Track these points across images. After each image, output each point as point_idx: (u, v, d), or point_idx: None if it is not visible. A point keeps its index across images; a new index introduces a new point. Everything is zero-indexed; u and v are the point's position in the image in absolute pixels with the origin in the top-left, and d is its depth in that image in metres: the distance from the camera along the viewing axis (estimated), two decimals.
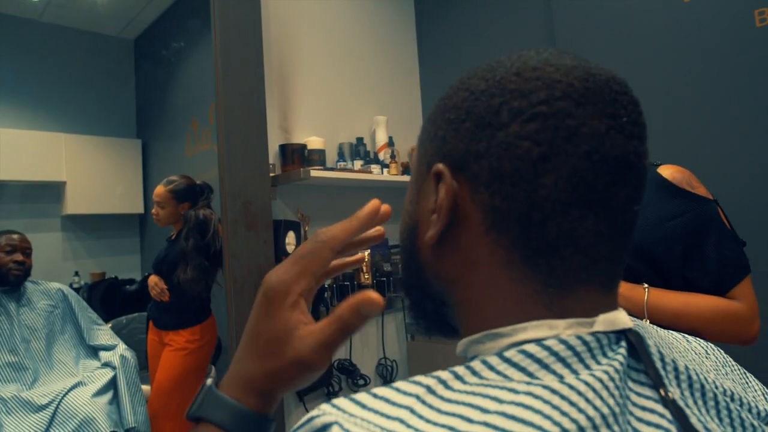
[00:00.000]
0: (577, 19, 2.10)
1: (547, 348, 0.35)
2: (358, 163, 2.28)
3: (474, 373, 0.36)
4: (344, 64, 2.44)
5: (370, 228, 0.47)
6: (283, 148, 2.08)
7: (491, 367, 0.35)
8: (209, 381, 0.43)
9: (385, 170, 2.33)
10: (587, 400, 0.32)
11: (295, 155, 2.07)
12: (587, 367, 0.35)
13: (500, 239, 0.39)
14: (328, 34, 2.39)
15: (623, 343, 0.37)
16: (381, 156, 2.39)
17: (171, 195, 2.33)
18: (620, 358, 0.36)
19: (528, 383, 0.34)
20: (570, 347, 0.35)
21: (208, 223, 2.28)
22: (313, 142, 2.13)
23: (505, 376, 0.35)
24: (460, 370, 0.36)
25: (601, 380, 0.34)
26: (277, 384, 0.42)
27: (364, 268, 2.25)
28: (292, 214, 2.12)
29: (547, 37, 2.23)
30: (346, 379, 2.20)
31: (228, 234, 1.85)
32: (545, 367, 0.34)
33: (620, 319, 0.38)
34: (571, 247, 0.38)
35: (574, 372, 0.34)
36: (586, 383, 0.33)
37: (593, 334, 0.37)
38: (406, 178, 2.36)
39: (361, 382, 2.21)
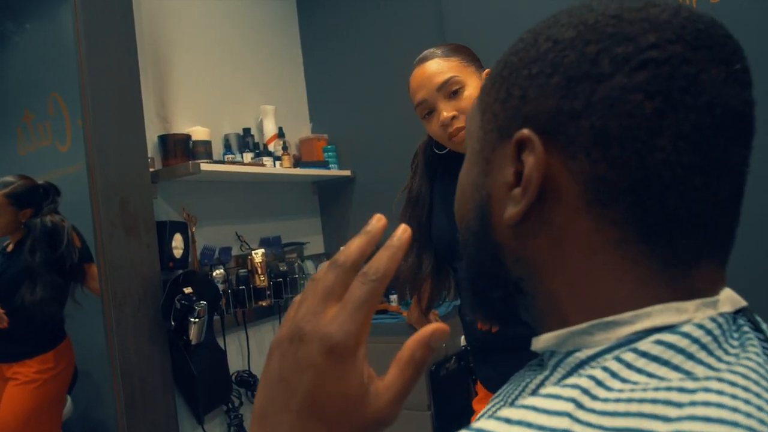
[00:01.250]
0: (467, 7, 2.13)
1: (688, 335, 0.31)
2: (247, 156, 2.09)
3: (614, 375, 0.30)
4: (226, 49, 2.22)
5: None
6: (164, 140, 1.82)
7: (629, 365, 0.30)
8: None
9: (277, 163, 2.17)
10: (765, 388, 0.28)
11: (178, 147, 1.83)
12: (726, 351, 0.31)
13: (607, 214, 0.34)
14: (206, 13, 2.15)
15: (741, 321, 0.34)
16: (271, 147, 2.22)
17: (8, 200, 1.90)
18: (753, 338, 0.33)
19: (694, 379, 0.29)
20: (708, 332, 0.31)
21: (59, 233, 1.91)
22: (198, 133, 1.90)
23: (651, 375, 0.30)
24: (597, 373, 0.30)
25: (760, 363, 0.30)
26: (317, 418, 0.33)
27: (259, 270, 2.08)
28: (176, 213, 1.88)
29: (436, 26, 2.24)
30: (245, 392, 2.01)
31: (102, 240, 1.57)
32: (691, 357, 0.30)
33: (736, 295, 0.35)
34: (693, 218, 0.33)
35: (718, 358, 0.30)
36: (754, 370, 0.29)
37: (723, 315, 0.33)
38: (301, 170, 2.22)
39: None
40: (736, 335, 0.33)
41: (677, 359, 0.30)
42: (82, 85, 1.59)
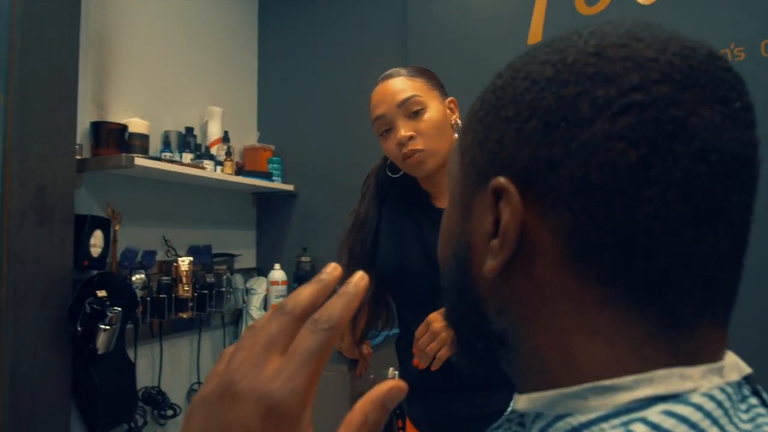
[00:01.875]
0: (430, 32, 2.14)
1: (700, 408, 0.28)
2: (187, 156, 1.96)
3: None
4: (178, 41, 2.10)
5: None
6: (97, 127, 1.68)
7: None
8: None
9: (219, 168, 2.06)
10: None
11: (112, 137, 1.69)
12: (737, 427, 0.29)
13: (590, 271, 0.31)
14: (160, 2, 2.03)
15: (745, 390, 0.31)
16: (214, 151, 2.11)
17: None
18: (764, 414, 0.30)
19: None
20: (719, 404, 0.29)
21: None
22: (136, 125, 1.77)
23: None
24: None
25: None
26: None
27: (184, 279, 1.94)
28: (99, 208, 1.72)
29: (399, 50, 2.23)
30: (152, 410, 1.84)
31: (11, 229, 1.40)
32: None
33: (741, 361, 0.32)
34: (688, 276, 0.30)
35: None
36: None
37: (731, 384, 0.30)
38: (243, 179, 2.12)
39: (170, 412, 1.88)
40: (743, 407, 0.30)
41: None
42: (11, 56, 1.43)
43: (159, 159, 1.81)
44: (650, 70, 0.30)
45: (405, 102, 1.08)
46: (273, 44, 2.55)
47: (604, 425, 0.29)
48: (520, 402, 0.35)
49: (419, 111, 1.08)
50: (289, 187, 2.38)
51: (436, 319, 1.03)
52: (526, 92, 0.33)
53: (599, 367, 0.31)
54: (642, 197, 0.29)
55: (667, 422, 0.27)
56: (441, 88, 1.15)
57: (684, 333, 0.31)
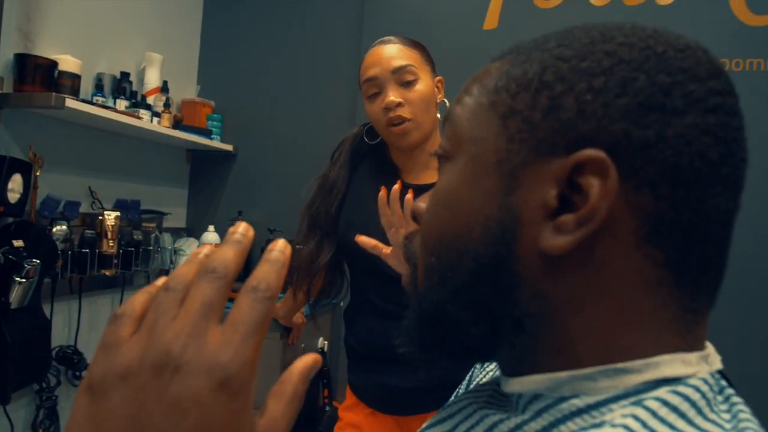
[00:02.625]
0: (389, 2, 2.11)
1: (698, 390, 0.31)
2: (121, 103, 1.82)
3: (644, 425, 0.29)
4: None
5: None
6: (22, 60, 1.52)
7: (654, 414, 0.30)
8: None
9: (155, 119, 1.93)
10: None
11: (39, 73, 1.54)
12: (718, 408, 0.32)
13: (654, 254, 0.32)
14: None
15: (723, 382, 0.34)
16: (151, 101, 1.97)
17: None
18: (738, 400, 0.34)
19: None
20: (711, 388, 0.32)
21: None
22: (68, 63, 1.61)
23: (673, 427, 0.29)
24: (630, 423, 0.29)
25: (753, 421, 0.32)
26: None
27: (110, 234, 1.82)
28: (19, 150, 1.56)
29: (355, 7, 2.18)
30: (66, 370, 1.74)
31: None
32: (700, 412, 0.31)
33: (715, 351, 0.36)
34: (718, 265, 0.34)
35: (717, 414, 0.31)
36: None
37: (715, 372, 0.34)
38: (180, 133, 2.00)
39: (85, 373, 1.77)
40: (720, 398, 0.33)
41: (691, 413, 0.30)
42: None
43: (91, 103, 1.67)
44: (722, 80, 0.33)
45: (400, 69, 1.08)
46: None
47: (614, 406, 0.31)
48: (515, 384, 0.36)
49: (411, 81, 1.08)
50: (228, 147, 2.29)
51: None
52: (614, 69, 0.33)
53: (623, 351, 0.32)
54: (714, 191, 0.32)
55: (674, 399, 0.30)
56: (432, 65, 1.16)
57: (697, 319, 0.34)
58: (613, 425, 0.30)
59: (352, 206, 1.18)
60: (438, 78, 1.16)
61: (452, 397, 0.56)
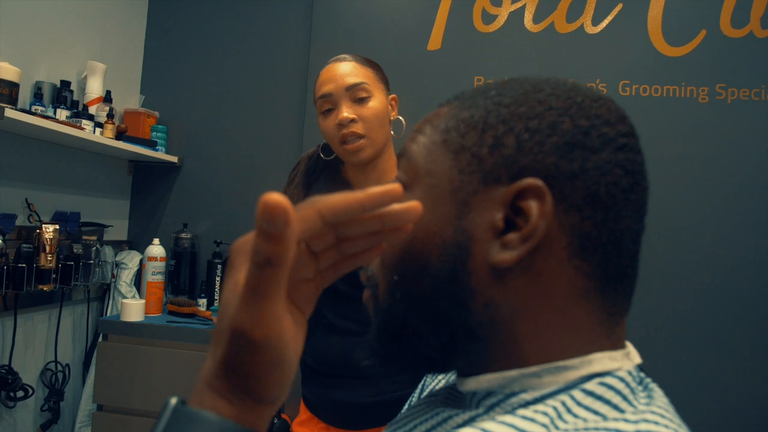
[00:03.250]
0: (337, 12, 2.16)
1: (623, 380, 0.38)
2: (62, 113, 1.77)
3: (568, 410, 0.36)
4: None
5: (377, 209, 0.35)
6: None
7: (579, 403, 0.36)
8: (173, 400, 0.33)
9: (98, 130, 1.88)
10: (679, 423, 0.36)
11: None
12: (638, 395, 0.38)
13: (582, 266, 0.39)
14: None
15: (642, 374, 0.41)
16: (93, 111, 1.92)
17: None
18: (654, 386, 0.40)
19: (633, 413, 0.35)
20: (633, 378, 0.38)
21: None
22: (5, 71, 1.56)
23: (596, 412, 0.36)
24: (558, 406, 0.36)
25: (668, 404, 0.38)
26: (235, 374, 0.32)
27: (48, 247, 1.76)
28: None
29: (303, 23, 2.22)
30: None
31: None
32: (625, 398, 0.37)
33: (633, 348, 0.42)
34: (632, 274, 0.41)
35: (637, 400, 0.37)
36: (666, 408, 0.37)
37: (635, 366, 0.40)
38: (125, 144, 1.96)
39: (21, 394, 1.70)
40: (639, 388, 0.40)
41: (616, 399, 0.36)
42: None
43: (30, 112, 1.61)
44: (626, 123, 0.41)
45: (353, 87, 1.11)
46: (165, 4, 2.37)
47: (556, 397, 0.37)
48: (471, 383, 0.41)
49: (365, 98, 1.11)
50: (173, 159, 2.26)
51: None
52: (545, 113, 0.40)
53: (562, 351, 0.38)
54: (625, 213, 0.39)
55: (599, 389, 0.37)
56: (386, 83, 1.19)
57: (618, 322, 0.40)
58: (544, 413, 0.36)
59: None
60: (392, 96, 1.20)
61: (405, 406, 0.61)
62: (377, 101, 1.13)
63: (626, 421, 0.34)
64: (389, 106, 1.18)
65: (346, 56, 1.16)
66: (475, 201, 0.40)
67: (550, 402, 0.36)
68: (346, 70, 1.13)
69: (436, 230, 0.41)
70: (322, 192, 1.22)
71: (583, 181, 0.38)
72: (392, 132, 1.20)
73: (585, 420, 0.35)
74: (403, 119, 1.22)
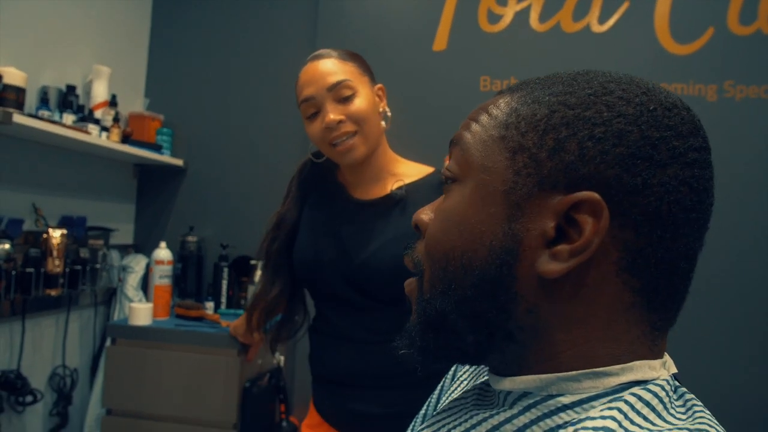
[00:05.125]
0: (343, 11, 2.16)
1: (663, 388, 0.37)
2: (68, 118, 1.77)
3: (626, 416, 0.35)
4: None
5: None
6: None
7: (632, 406, 0.35)
8: None
9: (104, 134, 1.88)
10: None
11: None
12: (675, 405, 0.38)
13: (631, 281, 0.38)
14: None
15: (676, 383, 0.41)
16: (98, 115, 1.92)
17: None
18: (691, 396, 0.40)
19: (680, 418, 0.36)
20: (672, 387, 0.38)
21: None
22: (12, 76, 1.55)
23: (645, 418, 0.35)
24: (615, 414, 0.35)
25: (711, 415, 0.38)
26: None
27: (55, 252, 1.75)
28: None
29: (308, 23, 2.22)
30: (8, 396, 1.65)
31: None
32: (665, 407, 0.36)
33: (670, 359, 0.42)
34: (681, 294, 0.40)
35: (675, 408, 0.37)
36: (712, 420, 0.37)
37: (672, 375, 0.40)
38: (130, 148, 1.96)
39: (30, 398, 1.69)
40: (675, 395, 0.40)
41: (659, 407, 0.36)
42: None
43: (36, 117, 1.61)
44: (699, 136, 0.39)
45: (335, 86, 1.05)
46: (168, 6, 2.37)
47: (595, 403, 0.37)
48: (507, 383, 0.41)
49: (350, 96, 1.05)
50: (178, 162, 2.25)
51: None
52: (613, 121, 0.37)
53: (603, 358, 0.38)
54: (684, 232, 0.38)
55: (646, 395, 0.36)
56: (370, 73, 1.13)
57: (662, 334, 0.40)
58: (603, 417, 0.35)
59: (303, 233, 1.19)
60: (378, 86, 1.14)
61: (423, 408, 0.61)
62: (363, 97, 1.07)
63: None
64: (376, 98, 1.12)
65: (325, 52, 1.10)
66: (529, 206, 0.38)
67: (598, 408, 0.36)
68: (326, 69, 1.06)
69: (485, 230, 0.40)
70: (320, 200, 1.21)
71: (644, 197, 0.36)
72: (383, 123, 1.13)
73: (640, 426, 0.34)
74: (388, 110, 1.15)
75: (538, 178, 0.38)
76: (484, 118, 0.43)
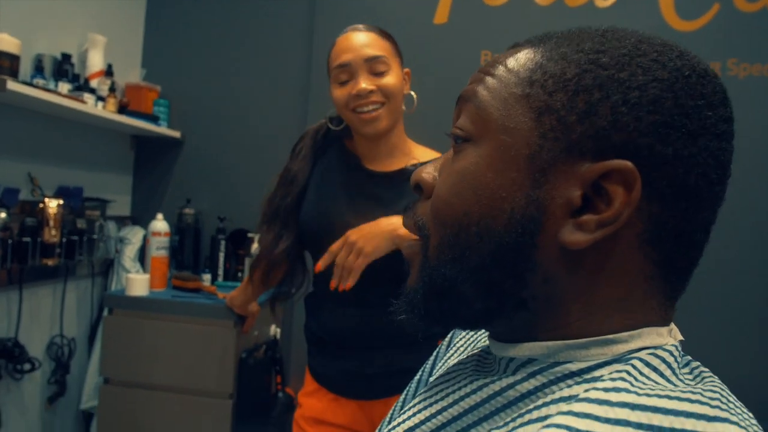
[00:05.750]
0: None
1: (672, 354, 0.36)
2: (64, 86, 1.75)
3: (636, 379, 0.34)
4: None
5: None
6: None
7: (639, 371, 0.34)
8: None
9: (100, 103, 1.86)
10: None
11: None
12: (680, 370, 0.38)
13: (652, 253, 0.37)
14: None
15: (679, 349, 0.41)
16: (94, 85, 1.90)
17: None
18: (696, 363, 0.40)
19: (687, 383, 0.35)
20: (679, 353, 0.38)
21: None
22: (5, 43, 1.53)
23: (655, 382, 0.34)
24: (623, 376, 0.33)
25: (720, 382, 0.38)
26: None
27: (52, 222, 1.75)
28: None
29: (306, 8, 2.18)
30: (6, 364, 1.66)
31: None
32: (673, 372, 0.35)
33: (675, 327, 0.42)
34: (694, 265, 0.39)
35: (682, 373, 0.37)
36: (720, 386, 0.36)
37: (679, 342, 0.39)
38: (127, 119, 1.94)
39: (28, 366, 1.71)
40: (683, 361, 0.40)
41: (667, 372, 0.35)
42: None
43: (31, 85, 1.59)
44: (729, 108, 0.37)
45: (373, 59, 1.09)
46: None
47: (602, 370, 0.35)
48: (511, 350, 0.40)
49: (383, 72, 1.10)
50: (176, 134, 2.24)
51: (353, 233, 1.06)
52: (648, 86, 0.35)
53: (614, 326, 0.37)
54: (705, 205, 0.37)
55: (654, 361, 0.35)
56: (401, 57, 1.18)
57: (673, 303, 0.39)
58: (611, 378, 0.34)
59: (313, 194, 1.20)
60: (406, 70, 1.18)
61: (418, 374, 0.61)
62: (394, 76, 1.12)
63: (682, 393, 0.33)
64: (403, 80, 1.16)
65: (365, 26, 1.14)
66: (554, 172, 0.36)
67: (606, 374, 0.35)
68: (366, 41, 1.11)
69: (506, 195, 0.37)
70: (330, 166, 1.21)
71: (673, 168, 0.35)
72: (404, 107, 1.18)
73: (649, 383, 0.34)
74: (414, 94, 1.20)
75: (565, 143, 0.36)
76: (501, 71, 0.40)
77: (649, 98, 0.35)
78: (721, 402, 0.32)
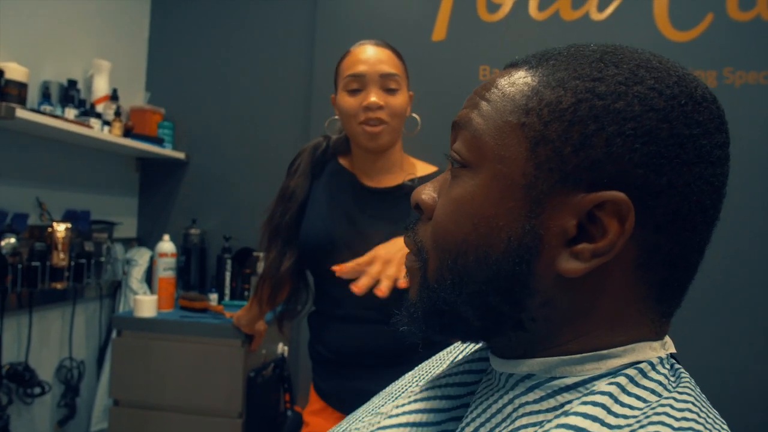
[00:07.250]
0: (341, 8, 2.16)
1: (663, 365, 0.38)
2: (70, 112, 1.78)
3: (620, 395, 0.36)
4: None
5: None
6: None
7: (624, 389, 0.35)
8: None
9: (106, 128, 1.89)
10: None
11: None
12: (670, 381, 0.38)
13: (646, 276, 0.38)
14: None
15: (672, 360, 0.41)
16: (100, 109, 1.93)
17: None
18: (685, 374, 0.40)
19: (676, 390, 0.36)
20: (663, 363, 0.39)
21: None
22: (14, 71, 1.56)
23: (639, 398, 0.35)
24: (613, 390, 0.35)
25: (695, 389, 0.39)
26: None
27: (60, 246, 1.77)
28: None
29: (307, 16, 2.22)
30: (17, 388, 1.67)
31: None
32: (660, 384, 0.37)
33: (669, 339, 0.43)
34: (690, 283, 0.40)
35: (670, 385, 0.38)
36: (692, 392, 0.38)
37: (670, 355, 0.40)
38: (132, 142, 1.97)
39: (38, 390, 1.72)
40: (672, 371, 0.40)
41: (653, 385, 0.37)
42: None
43: (39, 112, 1.62)
44: (725, 132, 0.38)
45: (388, 76, 1.11)
46: (167, 0, 2.37)
47: (597, 383, 0.37)
48: (510, 366, 0.41)
49: (394, 90, 1.12)
50: (180, 155, 2.26)
51: (381, 248, 1.01)
52: (644, 116, 0.35)
53: (608, 343, 0.38)
54: (700, 230, 0.37)
55: (646, 367, 0.37)
56: (408, 79, 1.20)
57: (667, 320, 0.40)
58: (601, 393, 0.35)
59: (313, 212, 1.20)
60: (410, 93, 1.20)
61: (400, 380, 0.63)
62: (402, 96, 1.14)
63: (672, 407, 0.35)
64: (407, 103, 1.19)
65: (382, 42, 1.16)
66: (549, 202, 0.36)
67: (600, 386, 0.36)
68: (382, 57, 1.13)
69: (503, 225, 0.38)
70: (328, 182, 1.23)
71: (668, 197, 0.35)
72: (404, 130, 1.21)
73: (631, 407, 0.35)
74: (418, 117, 1.22)
75: (560, 174, 0.36)
76: (495, 95, 0.40)
77: (644, 129, 0.35)
78: (690, 411, 0.34)
